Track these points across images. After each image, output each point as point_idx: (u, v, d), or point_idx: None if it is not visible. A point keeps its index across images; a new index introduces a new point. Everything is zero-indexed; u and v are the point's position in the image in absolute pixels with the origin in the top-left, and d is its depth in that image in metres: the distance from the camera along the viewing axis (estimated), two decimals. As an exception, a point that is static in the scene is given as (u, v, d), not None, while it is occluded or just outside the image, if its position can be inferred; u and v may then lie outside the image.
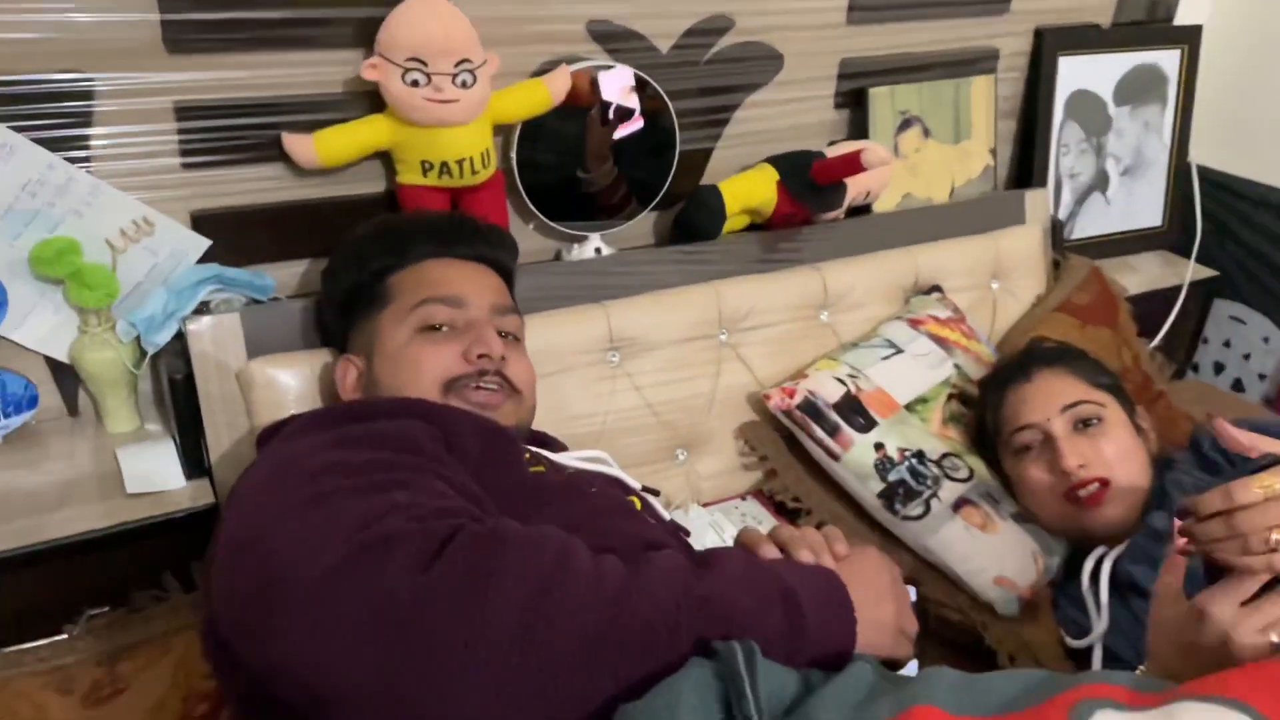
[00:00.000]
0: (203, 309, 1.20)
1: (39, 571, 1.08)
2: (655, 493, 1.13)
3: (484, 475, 0.85)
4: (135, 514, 1.11)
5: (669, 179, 1.46)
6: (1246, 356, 2.02)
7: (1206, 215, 1.99)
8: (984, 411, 1.36)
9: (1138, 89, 1.93)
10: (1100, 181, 1.94)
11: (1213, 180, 2.00)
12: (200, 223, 1.23)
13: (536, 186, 1.38)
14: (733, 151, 1.58)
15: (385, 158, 1.30)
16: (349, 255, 1.16)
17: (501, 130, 1.34)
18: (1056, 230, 1.79)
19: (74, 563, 1.10)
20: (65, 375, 1.24)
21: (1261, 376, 2.00)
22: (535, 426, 1.16)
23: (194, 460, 1.16)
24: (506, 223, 1.36)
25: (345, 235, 1.18)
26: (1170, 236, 2.03)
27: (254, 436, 1.06)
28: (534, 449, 0.99)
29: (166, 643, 1.07)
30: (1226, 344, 2.06)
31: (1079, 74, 1.85)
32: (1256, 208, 1.94)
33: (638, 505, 1.05)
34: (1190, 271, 1.94)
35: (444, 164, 1.25)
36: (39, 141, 1.11)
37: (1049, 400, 1.27)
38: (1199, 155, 2.01)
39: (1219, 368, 2.08)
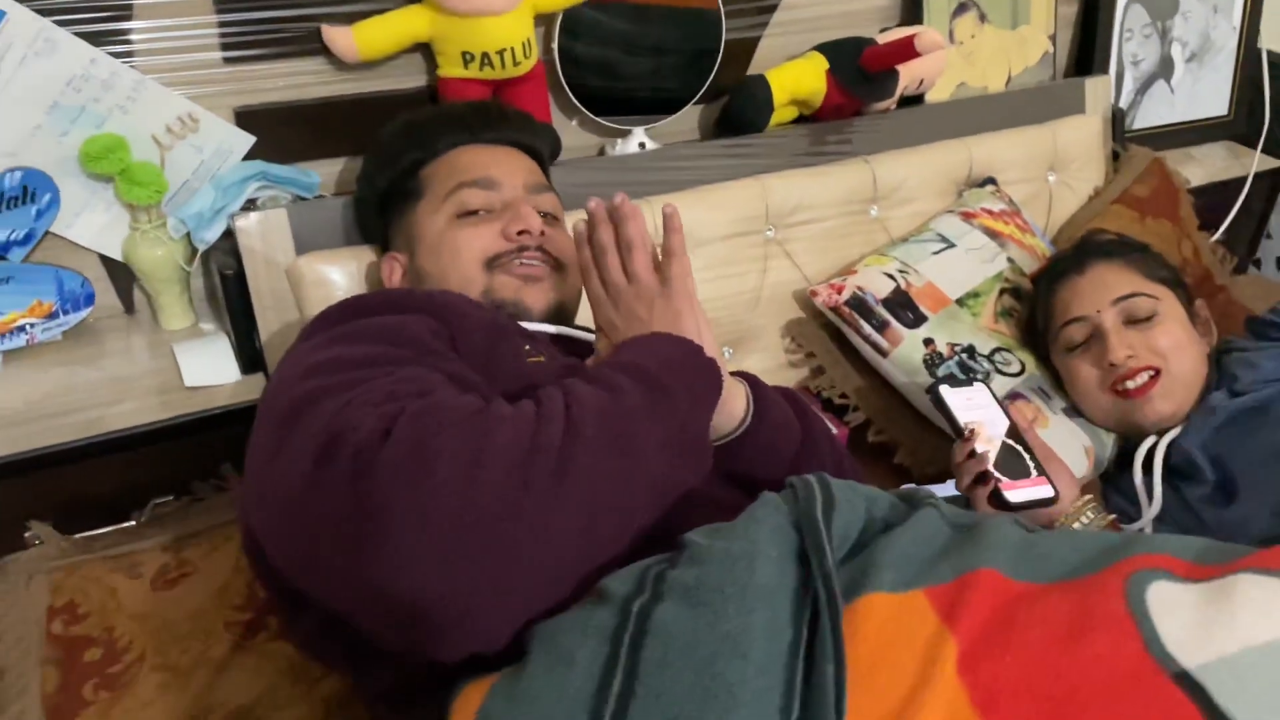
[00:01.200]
0: (250, 206, 1.20)
1: (103, 462, 1.12)
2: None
3: (485, 367, 0.84)
4: (193, 407, 1.14)
5: (714, 70, 1.42)
6: (1312, 252, 1.96)
7: (1276, 104, 1.90)
8: (1035, 305, 1.33)
9: (1208, -32, 1.83)
10: (1165, 68, 1.86)
11: (1285, 66, 1.90)
12: (244, 119, 1.23)
13: (579, 79, 1.35)
14: (781, 40, 1.53)
15: (426, 51, 1.28)
16: (379, 155, 1.15)
17: (543, 21, 1.31)
18: (1117, 120, 1.73)
19: (137, 454, 1.13)
20: (120, 273, 1.26)
21: (1327, 272, 1.93)
22: (582, 321, 1.16)
23: (248, 354, 1.18)
24: (549, 116, 1.34)
25: (374, 135, 1.17)
26: (1237, 126, 1.95)
27: (305, 331, 1.07)
28: (542, 335, 0.99)
29: (227, 530, 1.11)
30: (1291, 239, 1.99)
31: (1146, -47, 1.76)
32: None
33: None
34: (1256, 162, 1.87)
35: (485, 54, 1.22)
36: (81, 36, 1.10)
37: (1101, 292, 1.24)
38: (1270, 40, 1.91)
39: (1282, 264, 2.02)
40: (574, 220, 0.91)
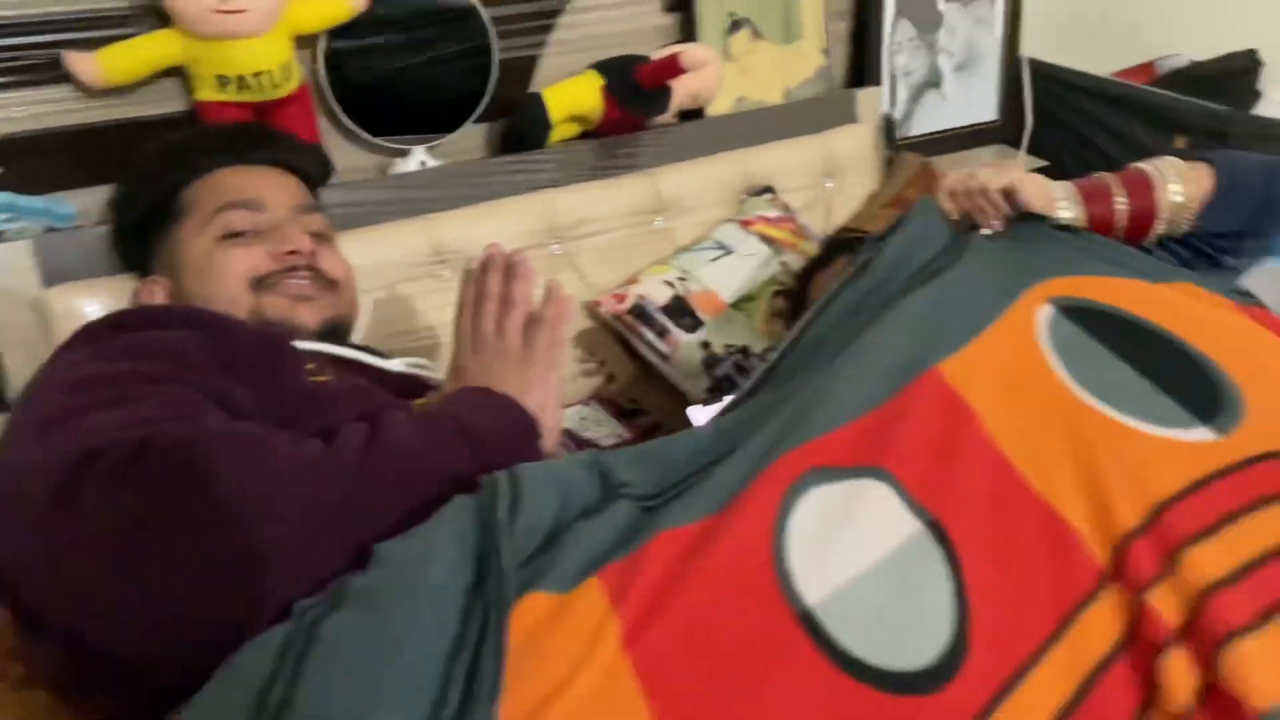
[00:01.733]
0: (-5, 240, 1.15)
1: None
2: None
3: (263, 384, 0.84)
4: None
5: (488, 88, 1.44)
6: (1079, 244, 2.11)
7: (1039, 108, 2.05)
8: (795, 301, 1.40)
9: (968, -15, 1.96)
10: (934, 78, 1.98)
11: (1044, 73, 2.05)
12: (-13, 149, 1.18)
13: (351, 98, 1.35)
14: (562, 60, 1.56)
15: (182, 74, 1.26)
16: (138, 176, 1.13)
17: (307, 42, 1.30)
18: (889, 128, 1.83)
19: None
20: None
21: (1092, 262, 2.09)
22: (364, 341, 1.15)
23: (-6, 395, 1.13)
24: (316, 137, 1.33)
25: (133, 158, 1.15)
26: (1005, 130, 2.09)
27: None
28: (322, 354, 0.98)
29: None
30: (1062, 233, 2.14)
31: (908, -30, 1.87)
32: (1085, 98, 2.01)
33: None
34: (1022, 163, 2.01)
35: (240, 78, 1.21)
36: None
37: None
38: (1030, 49, 2.06)
39: (1056, 257, 2.17)
40: (465, 263, 0.91)
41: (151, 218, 1.10)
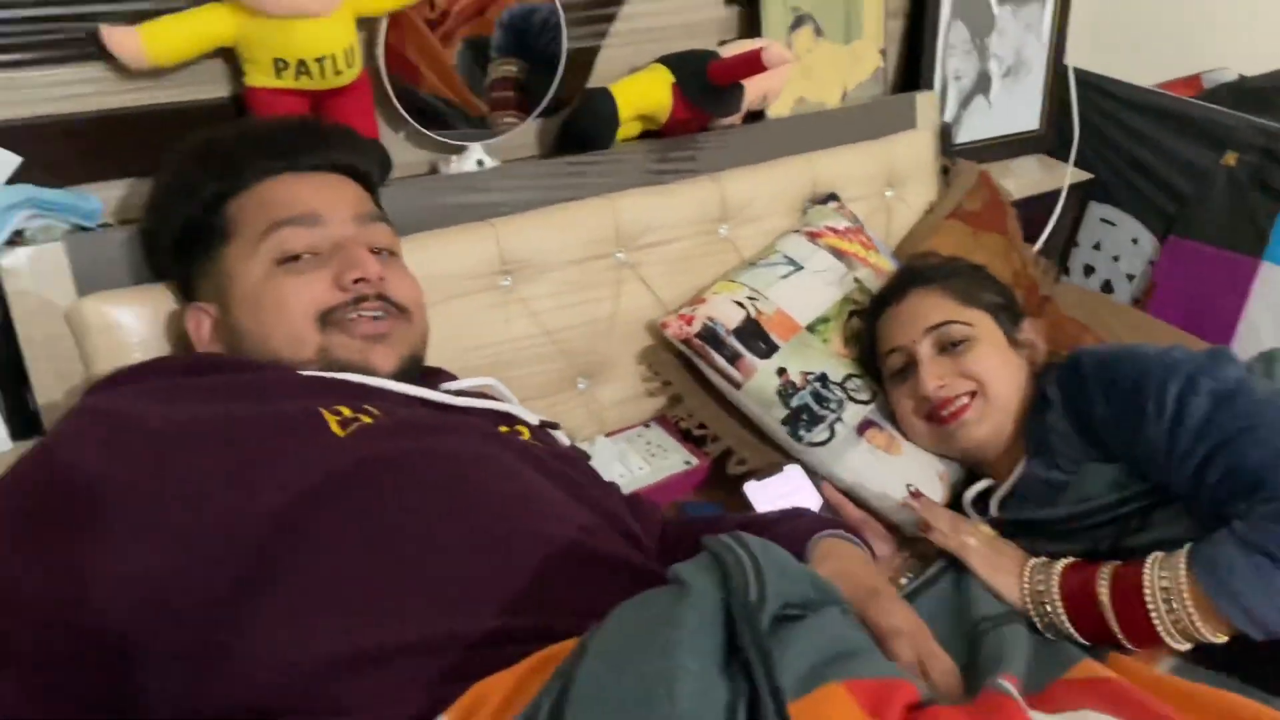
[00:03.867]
0: (16, 239, 1.00)
1: None
2: (555, 426, 1.04)
3: (241, 474, 0.73)
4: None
5: (555, 80, 1.33)
6: (1115, 258, 2.07)
7: (1083, 119, 2.00)
8: (867, 333, 1.31)
9: (1019, -13, 1.89)
10: (983, 84, 1.91)
11: (1088, 83, 2.00)
12: (8, 135, 1.02)
13: (408, 90, 1.22)
14: (621, 50, 1.45)
15: (230, 56, 1.12)
16: (173, 184, 0.99)
17: (366, 25, 1.17)
18: (945, 135, 1.75)
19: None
20: None
21: (1130, 277, 2.04)
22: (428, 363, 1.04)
23: (20, 417, 0.99)
24: (375, 131, 1.20)
25: (164, 158, 1.01)
26: (1047, 140, 2.03)
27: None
28: (389, 394, 0.88)
29: None
30: (1096, 246, 2.10)
31: (964, -30, 1.80)
32: (1129, 110, 1.96)
33: (525, 435, 0.95)
34: (1069, 175, 1.95)
35: (301, 62, 1.07)
36: None
37: (915, 322, 1.23)
38: (1076, 58, 2.01)
39: (1089, 270, 2.12)
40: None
41: (191, 236, 0.96)
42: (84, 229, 1.05)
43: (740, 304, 1.34)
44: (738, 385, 1.30)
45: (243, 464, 0.74)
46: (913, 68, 1.81)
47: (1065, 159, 1.98)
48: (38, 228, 1.03)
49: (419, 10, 1.20)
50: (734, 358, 1.30)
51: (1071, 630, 0.96)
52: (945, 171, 1.75)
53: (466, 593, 0.70)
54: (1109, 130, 1.99)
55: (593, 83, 1.42)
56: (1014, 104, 1.97)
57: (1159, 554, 0.93)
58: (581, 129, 1.35)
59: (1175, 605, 0.90)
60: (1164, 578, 0.91)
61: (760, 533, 0.70)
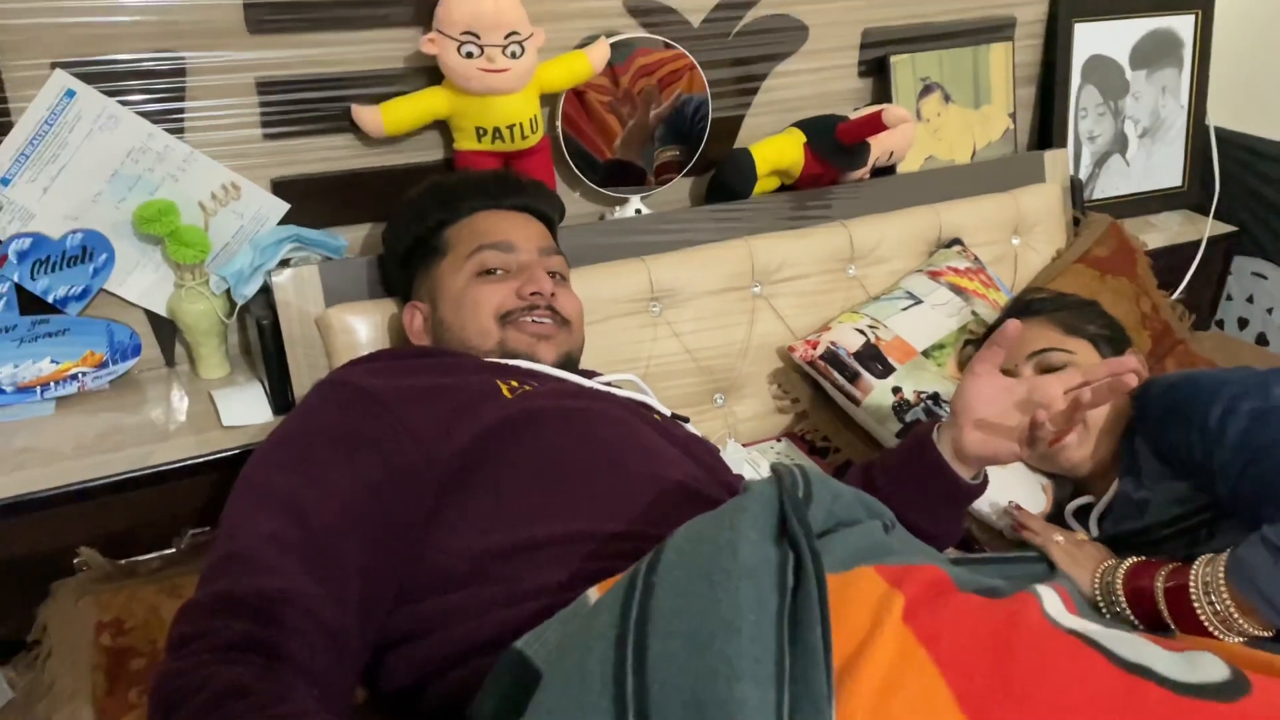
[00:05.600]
0: (284, 265, 1.33)
1: (147, 494, 1.22)
2: (685, 419, 1.25)
3: (453, 421, 0.98)
4: (229, 444, 1.24)
5: (701, 145, 1.57)
6: (1270, 311, 2.08)
7: (1225, 174, 2.06)
8: None
9: (1154, 53, 2.00)
10: (1119, 144, 2.01)
11: (1230, 140, 2.06)
12: (280, 188, 1.37)
13: (581, 154, 1.50)
14: (762, 119, 1.68)
15: (442, 127, 1.43)
16: (408, 213, 1.28)
17: (548, 100, 1.46)
18: (1076, 189, 1.87)
19: (177, 487, 1.23)
20: (163, 329, 1.38)
21: (1284, 329, 2.06)
22: (582, 366, 1.28)
23: (280, 397, 1.29)
24: (554, 185, 1.48)
25: (401, 198, 1.31)
26: (1190, 196, 2.10)
27: (333, 374, 1.19)
28: (543, 375, 1.12)
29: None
30: (1250, 299, 2.12)
31: (1095, 39, 1.93)
32: (1273, 165, 2.00)
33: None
34: (1209, 227, 2.01)
35: (496, 129, 1.37)
36: (140, 114, 1.25)
37: (1020, 348, 1.34)
38: (1216, 116, 2.08)
39: (1243, 323, 2.14)
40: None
41: (417, 251, 1.25)
42: (330, 259, 1.37)
43: (861, 331, 1.52)
44: (856, 402, 1.47)
45: (445, 415, 0.99)
46: (1045, 130, 1.95)
47: (1207, 213, 2.04)
48: (299, 257, 1.36)
49: (600, 86, 1.48)
50: (853, 377, 1.48)
51: (1133, 618, 1.07)
52: (1076, 223, 1.86)
53: (597, 506, 0.93)
54: (1255, 185, 2.04)
55: (736, 145, 1.65)
56: (1153, 162, 2.06)
57: (1208, 554, 1.04)
58: (725, 182, 1.59)
59: (1214, 600, 1.00)
60: (1206, 574, 1.02)
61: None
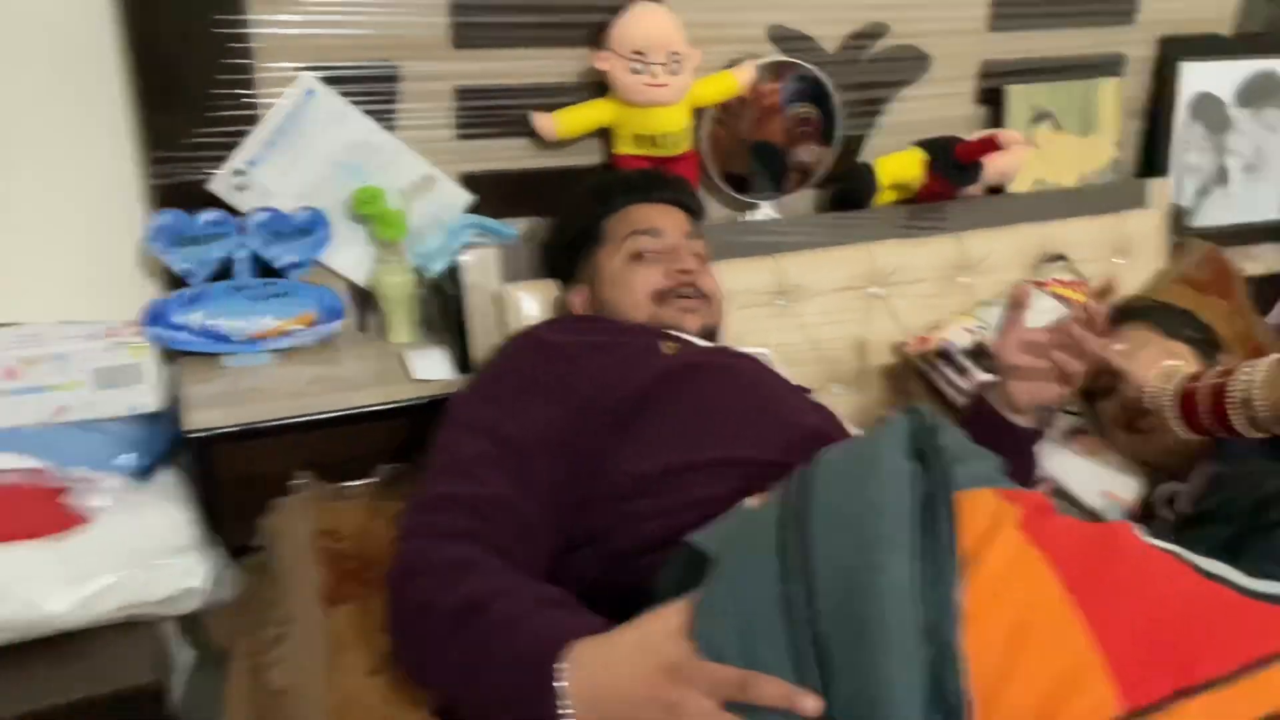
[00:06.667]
0: (468, 248, 1.54)
1: (349, 430, 1.43)
2: (808, 391, 1.42)
3: (624, 370, 1.19)
4: (419, 393, 1.46)
5: (825, 164, 1.75)
6: (1367, 342, 2.15)
7: (1326, 209, 2.14)
8: None
9: (1259, 93, 2.11)
10: (1221, 176, 2.12)
11: (1333, 177, 2.15)
12: (467, 181, 1.59)
13: (721, 161, 1.69)
14: (884, 140, 1.85)
15: (601, 134, 1.63)
16: (572, 206, 1.49)
17: (697, 114, 1.66)
18: (1178, 216, 1.99)
19: (375, 426, 1.44)
20: (359, 298, 1.61)
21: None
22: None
23: (461, 358, 1.50)
24: (698, 187, 1.67)
25: (565, 194, 1.53)
26: (1290, 230, 2.19)
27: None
28: (685, 341, 1.30)
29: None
30: (1347, 331, 2.19)
31: (1201, 78, 2.05)
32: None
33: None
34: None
35: (652, 137, 1.57)
36: (364, 112, 1.48)
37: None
38: (1320, 153, 2.17)
39: (1341, 353, 2.21)
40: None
41: (580, 239, 1.45)
42: (505, 244, 1.59)
43: (970, 330, 1.67)
44: (965, 395, 1.62)
45: (616, 363, 1.19)
46: (1150, 160, 2.08)
47: (1309, 247, 2.13)
48: (481, 242, 1.57)
49: (743, 104, 1.68)
50: (962, 371, 1.62)
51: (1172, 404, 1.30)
52: (1178, 248, 1.98)
53: (748, 439, 1.12)
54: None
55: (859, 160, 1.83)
56: (1256, 196, 2.16)
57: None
58: (848, 191, 1.76)
59: (1247, 368, 1.22)
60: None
61: None
